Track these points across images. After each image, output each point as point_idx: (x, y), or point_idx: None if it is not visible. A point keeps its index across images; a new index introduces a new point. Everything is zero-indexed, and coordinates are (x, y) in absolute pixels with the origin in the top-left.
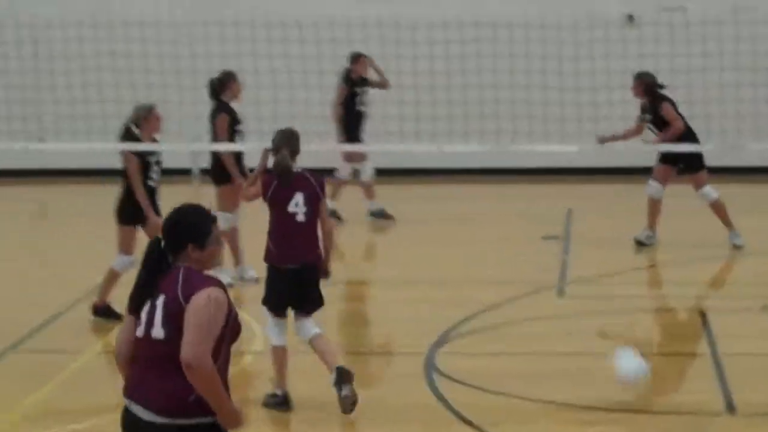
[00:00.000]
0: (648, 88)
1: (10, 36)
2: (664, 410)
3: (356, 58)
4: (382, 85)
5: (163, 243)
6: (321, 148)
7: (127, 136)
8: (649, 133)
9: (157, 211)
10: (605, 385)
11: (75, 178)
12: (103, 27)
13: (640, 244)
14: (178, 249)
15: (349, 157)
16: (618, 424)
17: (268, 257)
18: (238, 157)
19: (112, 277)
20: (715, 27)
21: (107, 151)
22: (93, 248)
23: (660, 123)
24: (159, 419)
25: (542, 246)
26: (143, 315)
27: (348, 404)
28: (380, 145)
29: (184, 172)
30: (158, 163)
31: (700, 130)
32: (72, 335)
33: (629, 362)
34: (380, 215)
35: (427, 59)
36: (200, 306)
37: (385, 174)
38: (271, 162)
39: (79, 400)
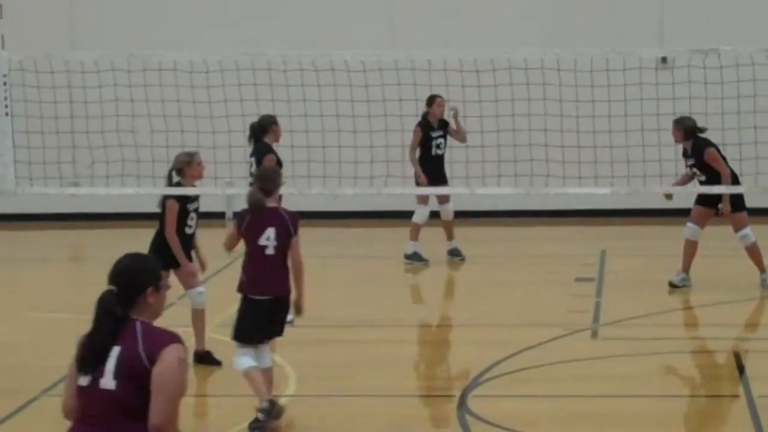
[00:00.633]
0: (688, 132)
1: (45, 81)
2: None
3: (431, 100)
4: (458, 135)
5: (118, 292)
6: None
7: (169, 182)
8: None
9: (189, 258)
10: (640, 428)
11: (109, 222)
12: (138, 72)
13: (673, 286)
14: (138, 295)
15: (423, 200)
16: None
17: (241, 287)
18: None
19: None
20: (749, 69)
21: (141, 195)
22: None
23: (704, 167)
24: None
25: (576, 288)
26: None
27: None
28: (411, 188)
29: (218, 215)
30: (196, 210)
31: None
32: None
33: None
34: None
35: (459, 103)
36: (173, 370)
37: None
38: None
39: None
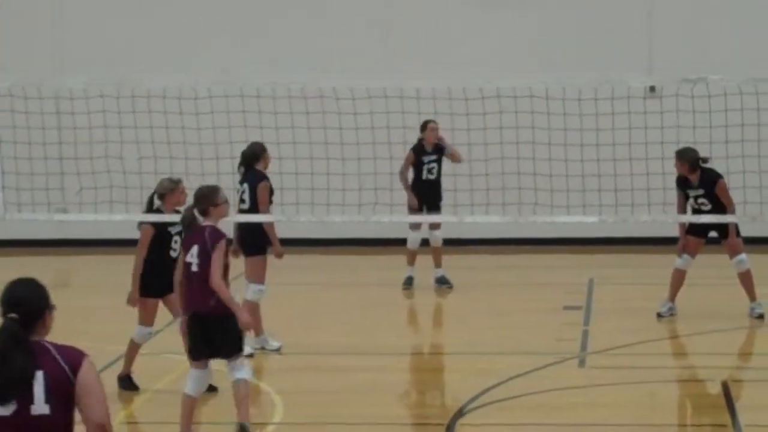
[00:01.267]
0: (693, 164)
1: (33, 107)
2: None
3: (424, 125)
4: (453, 157)
5: (19, 320)
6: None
7: (149, 207)
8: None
9: (171, 288)
10: None
11: (97, 249)
12: (127, 98)
13: (661, 317)
14: (39, 318)
15: (415, 226)
16: None
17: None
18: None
19: (133, 348)
20: (737, 98)
21: (129, 222)
22: (114, 319)
23: (713, 197)
24: None
25: (564, 316)
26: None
27: None
28: (401, 216)
29: None
30: (180, 233)
31: None
32: None
33: None
34: (444, 282)
35: (448, 131)
36: (95, 373)
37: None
38: None
39: None
